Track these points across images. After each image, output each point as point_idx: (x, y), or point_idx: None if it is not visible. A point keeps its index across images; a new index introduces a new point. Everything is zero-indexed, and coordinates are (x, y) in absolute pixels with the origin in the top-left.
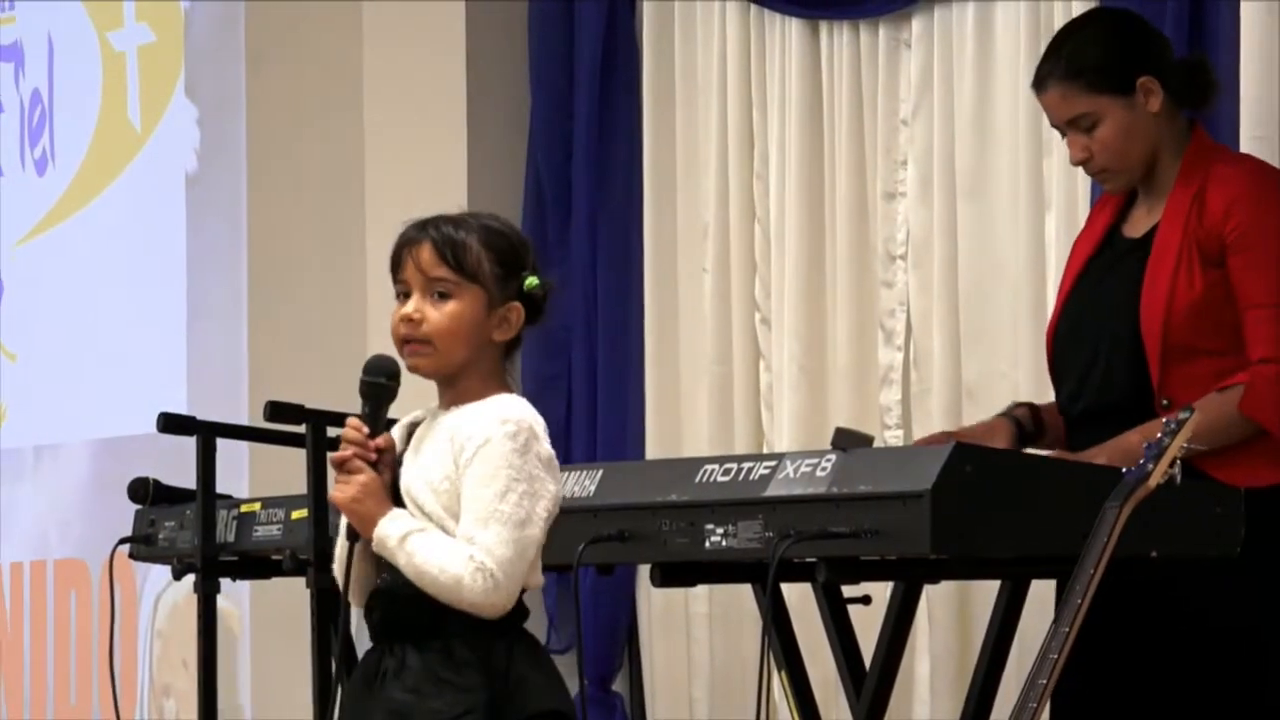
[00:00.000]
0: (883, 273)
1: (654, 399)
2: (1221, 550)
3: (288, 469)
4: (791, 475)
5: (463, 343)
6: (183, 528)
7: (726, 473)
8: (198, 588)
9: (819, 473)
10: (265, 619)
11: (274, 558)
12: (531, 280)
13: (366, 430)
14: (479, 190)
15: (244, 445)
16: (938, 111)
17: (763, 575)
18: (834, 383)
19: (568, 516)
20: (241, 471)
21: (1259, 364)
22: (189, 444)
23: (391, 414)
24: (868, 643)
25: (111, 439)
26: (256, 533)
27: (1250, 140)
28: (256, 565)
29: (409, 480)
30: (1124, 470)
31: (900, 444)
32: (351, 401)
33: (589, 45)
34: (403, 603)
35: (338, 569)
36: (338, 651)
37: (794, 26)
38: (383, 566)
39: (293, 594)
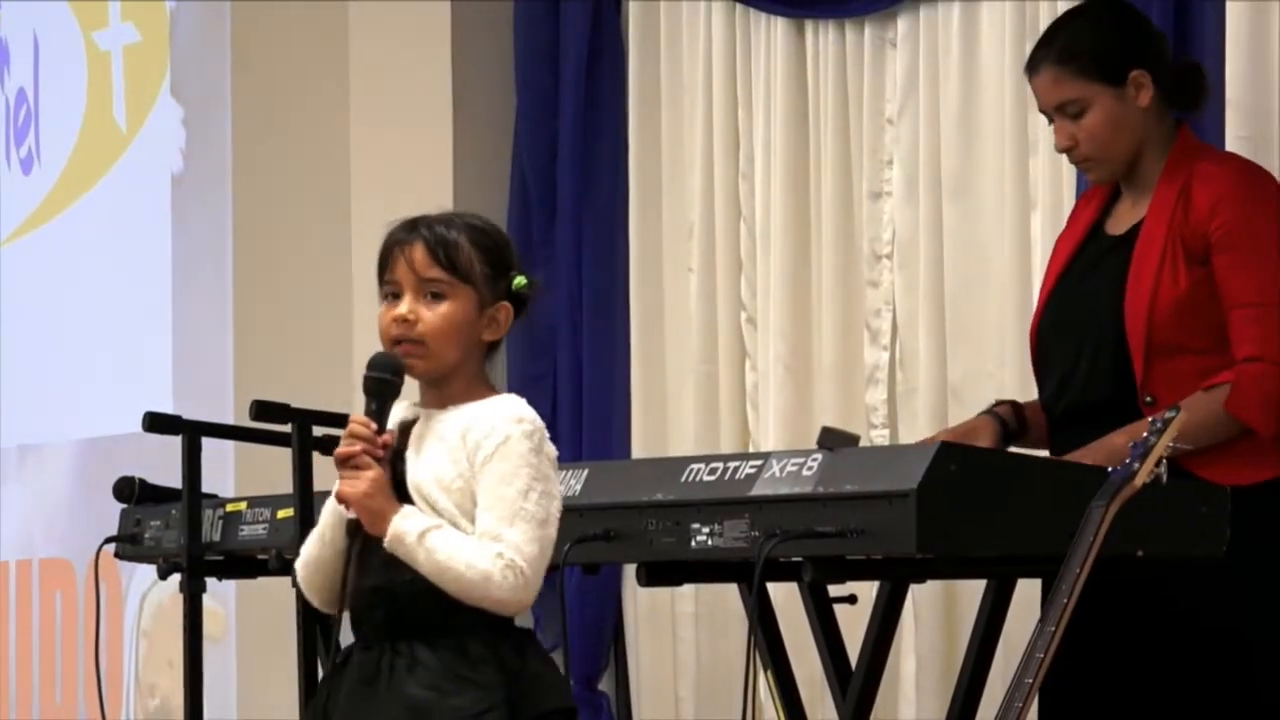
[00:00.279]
0: (868, 272)
1: (640, 398)
2: (1208, 549)
3: (273, 468)
4: (777, 474)
5: (456, 343)
6: (168, 527)
7: (712, 472)
8: (183, 587)
9: (805, 472)
10: (251, 619)
11: (259, 557)
12: (520, 280)
13: (374, 426)
14: (464, 189)
15: (229, 444)
16: (923, 111)
17: (749, 574)
18: (820, 382)
19: None
20: (227, 471)
21: (1244, 363)
22: (174, 443)
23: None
24: (853, 642)
25: (97, 438)
26: (242, 532)
27: (1235, 140)
28: (242, 565)
29: (418, 478)
30: (1110, 469)
31: (886, 443)
32: (337, 400)
33: (574, 45)
34: (409, 601)
35: (304, 570)
36: (331, 652)
37: (779, 26)
38: (378, 565)
39: (278, 594)
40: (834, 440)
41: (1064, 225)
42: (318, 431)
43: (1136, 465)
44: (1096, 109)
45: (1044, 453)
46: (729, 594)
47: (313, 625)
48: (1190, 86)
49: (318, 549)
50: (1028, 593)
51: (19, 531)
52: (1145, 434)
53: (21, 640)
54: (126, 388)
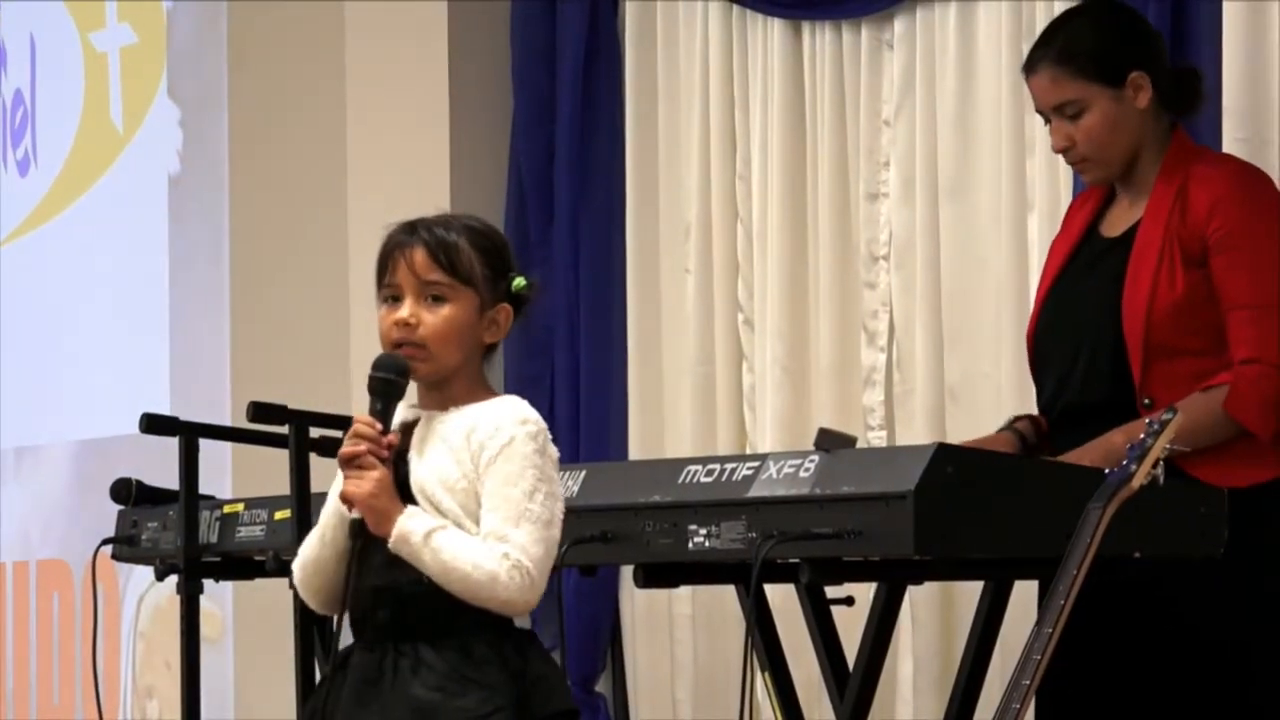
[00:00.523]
0: (865, 273)
1: (637, 400)
2: (1205, 550)
3: (270, 470)
4: (775, 476)
5: (457, 346)
6: (165, 529)
7: (709, 473)
8: (180, 589)
9: (802, 473)
10: (248, 620)
11: (257, 559)
12: (520, 281)
13: (379, 426)
14: (461, 190)
15: (227, 446)
16: (920, 112)
17: (746, 576)
18: (817, 383)
19: None
20: (224, 472)
21: (1242, 364)
22: (172, 445)
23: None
24: (851, 643)
25: (94, 440)
26: (239, 534)
27: (1232, 142)
28: (239, 566)
29: (422, 478)
30: (1107, 471)
31: (883, 445)
32: (334, 401)
33: (571, 45)
34: (413, 601)
35: (301, 572)
36: (332, 653)
37: (776, 27)
38: (380, 566)
39: (275, 595)
40: (831, 442)
41: (1060, 226)
42: (315, 433)
43: (1134, 467)
44: (1094, 110)
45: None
46: (726, 595)
47: (310, 627)
48: (1187, 90)
49: (317, 550)
50: (1025, 594)
51: (16, 533)
52: (1142, 435)
53: (19, 641)
54: (124, 389)
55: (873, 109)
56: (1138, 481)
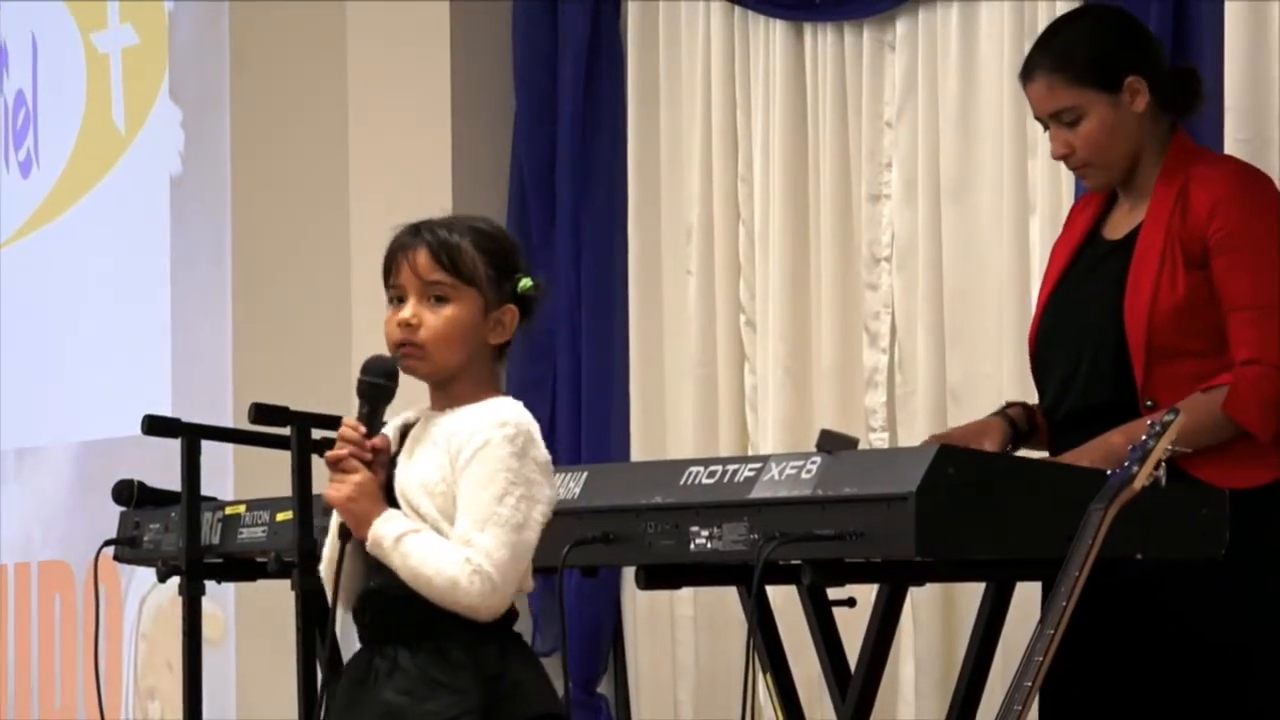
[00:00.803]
0: (867, 275)
1: (638, 401)
2: (1207, 552)
3: (272, 471)
4: (776, 477)
5: (458, 346)
6: (167, 530)
7: (711, 475)
8: (182, 590)
9: (804, 475)
10: (250, 621)
11: (259, 560)
12: (525, 282)
13: (363, 430)
14: (463, 191)
15: (229, 447)
16: (922, 113)
17: (748, 577)
18: (819, 385)
19: (552, 518)
20: (226, 474)
21: (1243, 365)
22: (174, 446)
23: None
24: (853, 645)
25: (96, 441)
26: (241, 535)
27: (1234, 143)
28: (241, 567)
29: (404, 482)
30: (1109, 472)
31: (885, 446)
32: (336, 403)
33: (573, 46)
34: (394, 604)
35: (326, 570)
36: (324, 654)
37: (778, 28)
38: (374, 568)
39: (277, 596)
40: (833, 443)
41: (1062, 228)
42: (317, 434)
43: (1135, 468)
44: (1092, 116)
45: (1043, 454)
46: (728, 597)
47: (312, 628)
48: (1186, 91)
49: (331, 549)
50: (1027, 595)
51: (18, 534)
52: (1144, 436)
53: (20, 643)
54: (125, 390)
55: (875, 110)
56: (1139, 483)
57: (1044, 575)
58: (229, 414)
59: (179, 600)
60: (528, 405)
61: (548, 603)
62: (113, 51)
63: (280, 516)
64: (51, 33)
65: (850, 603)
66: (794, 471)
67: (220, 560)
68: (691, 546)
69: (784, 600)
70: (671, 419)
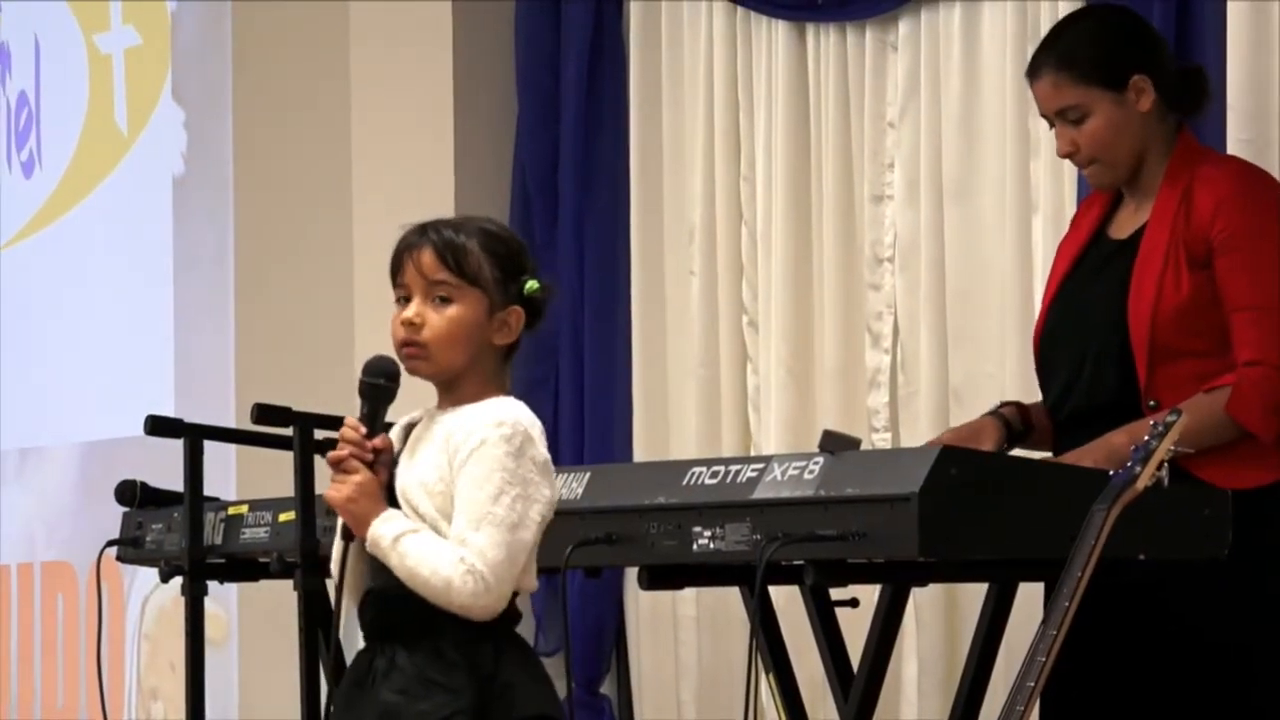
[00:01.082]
0: (870, 275)
1: (641, 402)
2: (1209, 552)
3: (275, 471)
4: (779, 478)
5: (462, 347)
6: (170, 530)
7: (714, 475)
8: (185, 590)
9: (806, 475)
10: (253, 622)
11: (261, 560)
12: (532, 284)
13: (364, 430)
14: (465, 192)
15: (231, 448)
16: (924, 114)
17: (750, 578)
18: (821, 385)
19: (555, 519)
20: (229, 474)
21: (1246, 366)
22: (176, 446)
23: (390, 415)
24: (855, 645)
25: (98, 441)
26: (244, 535)
27: (1236, 143)
28: (244, 568)
29: (404, 482)
30: (1111, 472)
31: (888, 447)
32: (338, 403)
33: (576, 47)
34: (393, 603)
35: (334, 567)
36: (330, 654)
37: (780, 29)
38: (376, 568)
39: (280, 596)
40: (835, 443)
41: (1065, 228)
42: (319, 434)
43: (1138, 469)
44: (1097, 115)
45: (1047, 454)
46: (731, 597)
47: (314, 628)
48: (1192, 90)
49: (337, 550)
50: (1029, 596)
51: (20, 534)
52: (1146, 437)
53: (23, 643)
54: (128, 391)
55: (877, 111)
56: (1142, 483)
57: (1046, 576)
58: (231, 414)
59: (181, 601)
60: (530, 406)
61: (550, 603)
62: (115, 52)
63: (283, 517)
64: (54, 33)
65: (853, 603)
66: (796, 472)
67: (223, 561)
68: (694, 547)
69: (787, 601)
70: (674, 419)
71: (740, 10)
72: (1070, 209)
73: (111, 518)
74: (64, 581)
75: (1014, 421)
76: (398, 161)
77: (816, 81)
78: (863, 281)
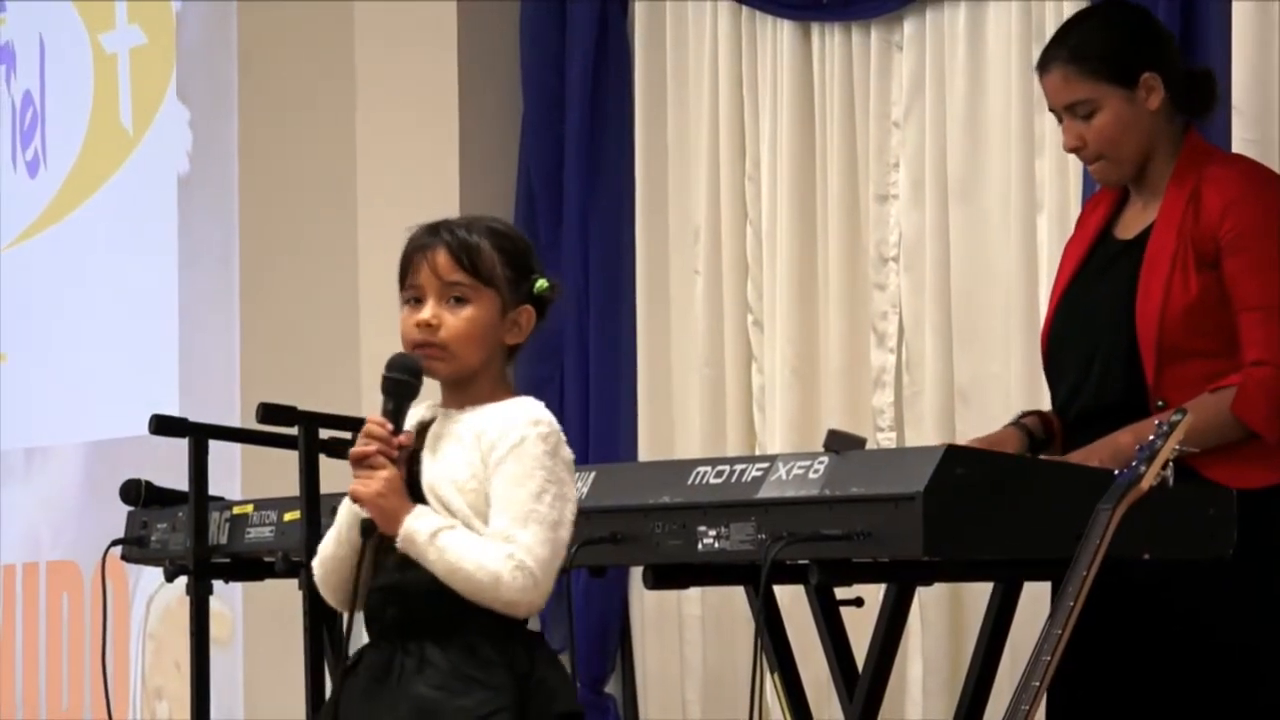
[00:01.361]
0: (875, 275)
1: (646, 401)
2: (1214, 552)
3: (280, 471)
4: (784, 477)
5: (478, 347)
6: (175, 530)
7: (719, 475)
8: (190, 590)
9: (811, 475)
10: (258, 621)
11: (266, 560)
12: (541, 283)
13: (390, 426)
14: (471, 192)
15: (236, 447)
16: (929, 114)
17: (755, 577)
18: (826, 385)
19: None
20: (233, 473)
21: (1252, 366)
22: (181, 446)
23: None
24: (860, 645)
25: (103, 441)
26: (249, 535)
27: (1241, 143)
28: (249, 567)
29: (433, 478)
30: (1116, 472)
31: (893, 446)
32: (343, 402)
33: (581, 46)
34: (420, 600)
35: (321, 568)
36: (333, 657)
37: (785, 28)
38: (394, 564)
39: (285, 596)
40: (840, 443)
41: (1070, 228)
42: (324, 434)
43: (1143, 468)
44: (1107, 110)
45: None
46: (736, 597)
47: (320, 628)
48: (1200, 91)
49: (334, 548)
50: (1034, 595)
51: (26, 534)
52: (1151, 436)
53: (28, 643)
54: (133, 390)
55: (882, 111)
56: (1147, 483)
57: (1051, 575)
58: (236, 414)
59: (186, 600)
60: None
61: (555, 602)
62: (120, 51)
63: (288, 516)
64: (59, 33)
65: (858, 602)
66: (801, 471)
67: (228, 560)
68: (699, 546)
69: (791, 600)
70: (679, 419)
71: (745, 10)
72: (1075, 208)
73: (116, 517)
74: (69, 581)
75: (1036, 431)
76: (402, 161)
77: (821, 81)
78: (868, 281)
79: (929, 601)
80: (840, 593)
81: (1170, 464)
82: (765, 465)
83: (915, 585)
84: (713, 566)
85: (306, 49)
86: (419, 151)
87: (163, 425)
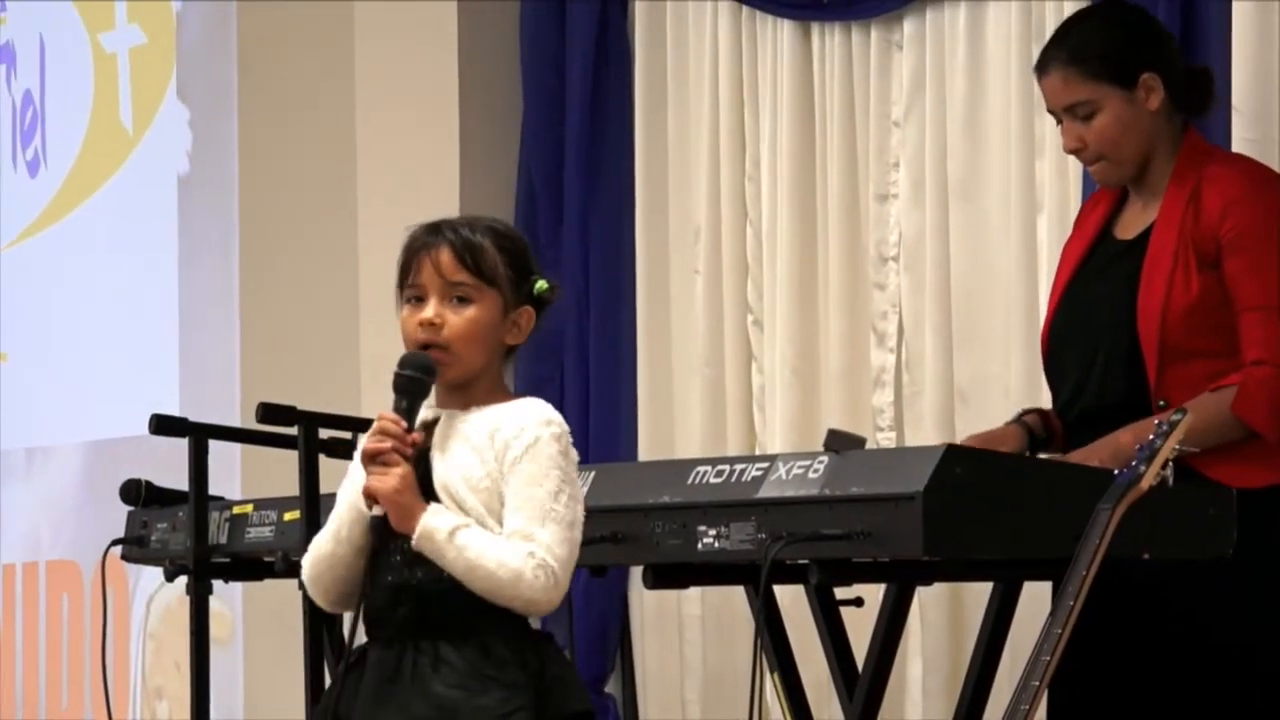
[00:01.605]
0: (875, 275)
1: (646, 401)
2: (1214, 552)
3: (279, 471)
4: (784, 477)
5: (481, 347)
6: (175, 529)
7: (719, 474)
8: (190, 589)
9: (811, 474)
10: (257, 621)
11: (266, 559)
12: (542, 284)
13: (404, 424)
14: (471, 192)
15: (236, 447)
16: (929, 113)
17: (755, 577)
18: (826, 385)
19: None
20: (233, 473)
21: (1252, 365)
22: (181, 445)
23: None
24: (860, 644)
25: (104, 441)
26: (249, 534)
27: (1241, 143)
28: (249, 567)
29: (446, 477)
30: (1116, 472)
31: (892, 446)
32: (343, 402)
33: (581, 46)
34: (434, 599)
35: (314, 567)
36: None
37: (785, 28)
38: (404, 562)
39: (285, 596)
40: (840, 442)
41: (1070, 227)
42: (324, 434)
43: (1143, 468)
44: (1106, 111)
45: (1053, 453)
46: (735, 596)
47: (320, 627)
48: (1199, 91)
49: (331, 547)
50: (1034, 595)
51: (26, 534)
52: (1151, 436)
53: (28, 642)
54: (133, 390)
55: (882, 110)
56: (1147, 482)
57: (1051, 575)
58: (236, 413)
59: (186, 600)
60: None
61: None
62: (120, 51)
63: (287, 516)
64: (59, 32)
65: (858, 602)
66: (801, 471)
67: (228, 560)
68: (699, 546)
69: (791, 600)
70: (679, 418)
71: (745, 10)
72: (1075, 208)
73: (116, 517)
74: (69, 581)
75: (1036, 429)
76: (402, 161)
77: (821, 81)
78: (868, 281)
79: (929, 601)
80: (840, 592)
81: (1170, 463)
82: (765, 465)
83: (915, 585)
84: (713, 566)
85: (306, 49)
86: (419, 151)
87: (163, 425)
